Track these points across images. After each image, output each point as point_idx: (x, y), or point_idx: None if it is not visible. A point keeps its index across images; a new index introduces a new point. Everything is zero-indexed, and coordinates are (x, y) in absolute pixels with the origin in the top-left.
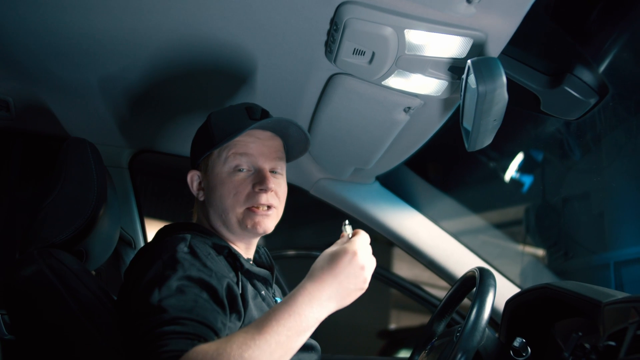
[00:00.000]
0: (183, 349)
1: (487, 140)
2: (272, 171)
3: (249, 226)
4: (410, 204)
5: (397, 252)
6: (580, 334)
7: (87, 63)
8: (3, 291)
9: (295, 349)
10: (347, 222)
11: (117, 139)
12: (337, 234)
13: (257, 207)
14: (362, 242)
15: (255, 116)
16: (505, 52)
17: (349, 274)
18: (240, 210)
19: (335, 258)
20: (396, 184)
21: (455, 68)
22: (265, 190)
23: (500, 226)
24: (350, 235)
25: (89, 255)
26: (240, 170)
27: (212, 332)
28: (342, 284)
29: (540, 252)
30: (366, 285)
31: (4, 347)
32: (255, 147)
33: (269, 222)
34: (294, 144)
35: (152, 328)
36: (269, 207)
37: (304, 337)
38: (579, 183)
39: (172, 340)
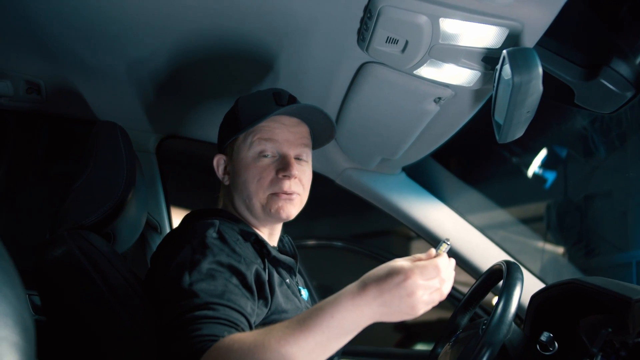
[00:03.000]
0: (218, 335)
1: (519, 133)
2: (297, 158)
3: (272, 211)
4: (436, 195)
5: (419, 243)
6: (609, 330)
7: (115, 47)
8: (33, 272)
9: (332, 351)
10: (449, 242)
11: (145, 123)
12: (360, 224)
13: (280, 193)
14: (427, 269)
15: (282, 102)
16: (540, 43)
17: (393, 295)
18: (263, 195)
19: (389, 273)
20: (422, 176)
21: (489, 58)
22: (289, 176)
23: (522, 221)
24: (434, 255)
25: (116, 238)
26: (265, 156)
27: (243, 318)
28: (386, 303)
29: (562, 248)
30: (416, 313)
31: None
32: (281, 133)
33: (292, 208)
34: (321, 131)
35: (184, 312)
36: (292, 193)
37: (343, 340)
38: (604, 181)
39: (205, 325)
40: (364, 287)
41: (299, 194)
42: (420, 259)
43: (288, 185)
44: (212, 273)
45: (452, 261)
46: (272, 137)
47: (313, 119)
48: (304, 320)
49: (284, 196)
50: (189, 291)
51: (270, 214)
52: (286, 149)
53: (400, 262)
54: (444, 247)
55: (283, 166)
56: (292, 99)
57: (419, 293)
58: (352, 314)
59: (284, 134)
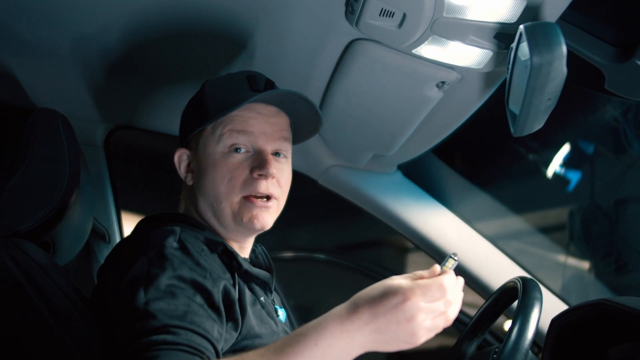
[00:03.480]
0: None
1: (538, 124)
2: (276, 153)
3: (244, 220)
4: (438, 198)
5: (417, 256)
6: None
7: (57, 21)
8: None
9: None
10: (456, 258)
11: (91, 112)
12: (347, 233)
13: (256, 197)
14: (430, 290)
15: (257, 87)
16: (564, 17)
17: (390, 320)
18: (235, 199)
19: (384, 293)
20: (422, 175)
21: (502, 35)
22: (266, 176)
23: (540, 230)
24: (439, 272)
25: (56, 248)
26: (237, 151)
27: (208, 343)
28: (380, 330)
29: (587, 263)
30: (416, 341)
31: None
32: (256, 124)
33: (269, 216)
34: (303, 122)
35: (138, 336)
36: (268, 197)
37: None
38: (639, 182)
39: (164, 352)
40: (354, 309)
41: (276, 199)
42: (422, 277)
43: (265, 186)
44: (172, 290)
45: (461, 280)
46: (246, 129)
47: (295, 107)
48: (283, 348)
49: (259, 202)
50: (145, 311)
51: (241, 224)
52: (262, 143)
53: (398, 281)
54: (451, 263)
55: (259, 163)
56: (270, 84)
57: (420, 318)
58: (341, 342)
59: (261, 126)
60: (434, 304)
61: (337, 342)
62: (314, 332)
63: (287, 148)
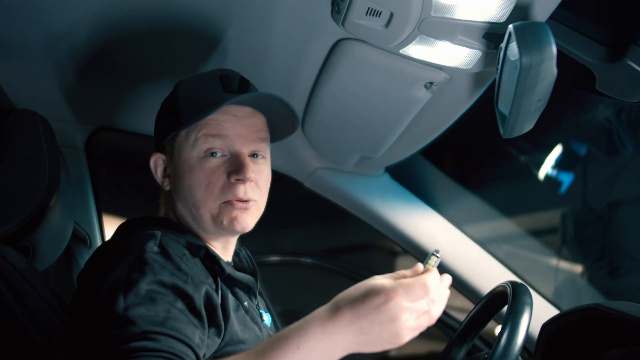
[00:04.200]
0: None
1: (528, 125)
2: (253, 155)
3: (224, 223)
4: (426, 201)
5: (406, 260)
6: None
7: (34, 18)
8: None
9: None
10: (438, 254)
11: (72, 113)
12: (334, 236)
13: (234, 201)
14: (413, 289)
15: (231, 88)
16: (554, 17)
17: (372, 321)
18: (214, 205)
19: (366, 294)
20: (410, 177)
21: (491, 35)
22: (243, 180)
23: (531, 233)
24: (422, 271)
25: (36, 252)
26: (213, 155)
27: (189, 350)
28: (363, 330)
29: (580, 267)
30: (400, 341)
31: None
32: (231, 127)
33: (249, 217)
34: (280, 121)
35: (118, 343)
36: (246, 201)
37: None
38: (632, 184)
39: (143, 359)
40: (336, 310)
41: (255, 201)
42: (405, 276)
43: (243, 191)
44: (152, 296)
45: (446, 277)
46: (220, 133)
47: (270, 108)
48: (264, 352)
49: (239, 204)
50: (124, 317)
51: (222, 227)
52: (239, 146)
53: (380, 280)
54: (434, 261)
55: (236, 168)
56: (244, 83)
57: (403, 317)
58: (323, 344)
59: (236, 128)
60: (417, 303)
61: (319, 345)
62: (296, 335)
63: (264, 148)
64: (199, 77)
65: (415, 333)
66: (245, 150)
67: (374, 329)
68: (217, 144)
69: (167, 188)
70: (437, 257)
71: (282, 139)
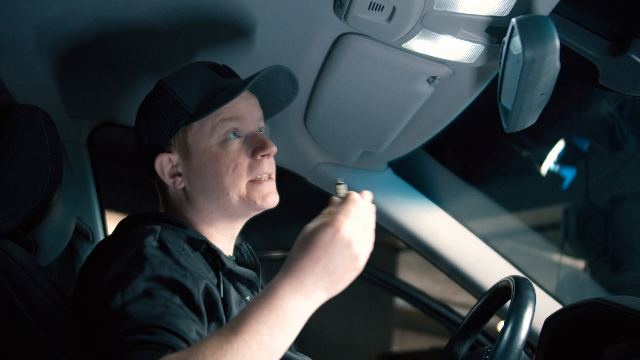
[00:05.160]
0: None
1: (531, 120)
2: (260, 131)
3: (257, 202)
4: (429, 196)
5: (408, 256)
6: None
7: (35, 13)
8: None
9: (281, 350)
10: (341, 181)
11: (74, 108)
12: None
13: (261, 179)
14: (348, 210)
15: (226, 74)
16: (557, 10)
17: (332, 254)
18: (242, 185)
19: (313, 237)
20: (413, 172)
21: (494, 29)
22: (269, 153)
23: (534, 229)
24: (339, 201)
25: (39, 248)
26: (233, 135)
27: (185, 344)
28: (327, 268)
29: (582, 262)
30: (361, 264)
31: None
32: (243, 108)
33: (275, 191)
34: (270, 99)
35: (114, 337)
36: (269, 176)
37: (290, 335)
38: (634, 179)
39: (137, 351)
40: (294, 265)
41: (273, 177)
42: (330, 212)
43: (268, 165)
44: (150, 291)
45: (366, 192)
46: (237, 115)
47: (266, 87)
48: (238, 322)
49: (266, 182)
50: (122, 313)
51: (254, 206)
52: (252, 125)
53: (315, 223)
54: (343, 187)
55: (259, 145)
56: (229, 68)
57: (356, 238)
58: (294, 300)
59: (247, 108)
60: (358, 221)
61: (290, 302)
62: (264, 300)
63: (263, 124)
64: (185, 70)
65: (369, 251)
66: (255, 127)
67: (337, 262)
68: (234, 125)
69: (181, 186)
70: (342, 182)
71: (271, 117)
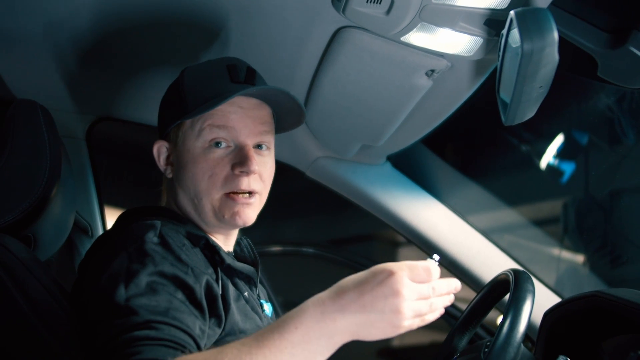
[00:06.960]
0: (160, 358)
1: (530, 113)
2: (258, 146)
3: (226, 217)
4: (428, 190)
5: (408, 250)
6: (639, 352)
7: (35, 7)
8: None
9: None
10: (437, 257)
11: (72, 103)
12: (336, 226)
13: (237, 194)
14: (417, 268)
15: (238, 78)
16: (556, 3)
17: (375, 295)
18: (216, 196)
19: (371, 273)
20: (412, 166)
21: (493, 21)
22: (247, 173)
23: (533, 223)
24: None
25: (38, 242)
26: (217, 145)
27: (190, 339)
28: (365, 307)
29: (581, 255)
30: (399, 324)
31: None
32: (237, 119)
33: (251, 211)
34: (286, 113)
35: (120, 332)
36: (250, 193)
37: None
38: (634, 173)
39: (147, 347)
40: (338, 291)
41: (258, 194)
42: (404, 262)
43: (246, 183)
44: (154, 286)
45: (454, 280)
46: (226, 124)
47: (276, 100)
48: (263, 336)
49: (241, 199)
50: (126, 307)
51: (223, 220)
52: (244, 137)
53: (385, 264)
54: (434, 263)
55: (240, 160)
56: (251, 73)
57: (405, 292)
58: (321, 324)
59: (242, 120)
60: (419, 285)
61: (318, 326)
62: (295, 316)
63: (269, 140)
64: (206, 64)
65: (415, 321)
66: (250, 142)
67: (377, 305)
68: (222, 134)
69: (170, 176)
70: (436, 260)
71: (287, 130)
